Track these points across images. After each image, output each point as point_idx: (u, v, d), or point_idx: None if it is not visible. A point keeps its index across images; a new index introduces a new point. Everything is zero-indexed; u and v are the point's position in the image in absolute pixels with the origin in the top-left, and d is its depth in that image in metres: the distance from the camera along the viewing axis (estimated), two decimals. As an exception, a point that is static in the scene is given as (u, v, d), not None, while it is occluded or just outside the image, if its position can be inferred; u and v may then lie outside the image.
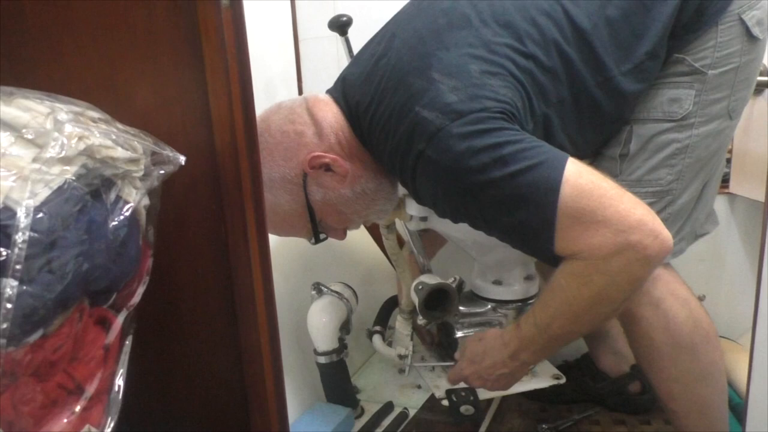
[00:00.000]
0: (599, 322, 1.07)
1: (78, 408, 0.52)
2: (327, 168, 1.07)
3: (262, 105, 0.91)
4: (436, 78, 0.95)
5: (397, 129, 0.98)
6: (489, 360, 1.12)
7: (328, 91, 1.14)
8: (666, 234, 0.90)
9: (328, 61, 1.69)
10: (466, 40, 0.99)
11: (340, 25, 1.48)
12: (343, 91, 1.10)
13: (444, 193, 0.98)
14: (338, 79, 1.14)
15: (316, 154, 1.06)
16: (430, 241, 1.50)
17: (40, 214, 0.46)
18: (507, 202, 0.93)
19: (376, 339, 1.42)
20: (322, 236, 1.16)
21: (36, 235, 0.46)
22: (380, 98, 1.01)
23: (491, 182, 0.92)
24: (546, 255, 0.96)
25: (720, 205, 1.50)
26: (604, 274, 0.92)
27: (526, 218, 0.93)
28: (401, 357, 1.36)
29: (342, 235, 1.20)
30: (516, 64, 0.99)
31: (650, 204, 1.08)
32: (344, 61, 1.50)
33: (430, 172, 0.97)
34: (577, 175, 0.90)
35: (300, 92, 1.72)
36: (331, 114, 1.08)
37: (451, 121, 0.92)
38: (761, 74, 1.36)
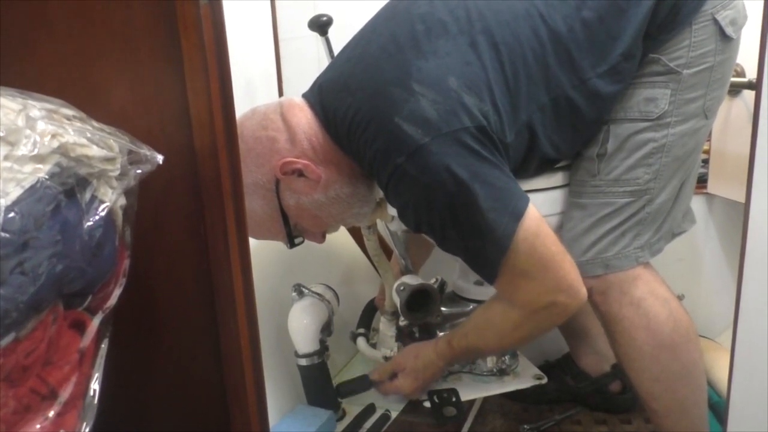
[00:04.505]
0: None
1: (52, 413, 0.51)
2: (300, 173, 1.07)
3: (241, 105, 0.90)
4: (416, 89, 0.96)
5: (376, 138, 0.99)
6: (429, 372, 1.25)
7: (304, 96, 1.13)
8: (584, 293, 1.05)
9: (309, 61, 1.68)
10: (444, 49, 1.00)
11: (321, 25, 1.47)
12: (319, 96, 1.09)
13: (414, 205, 1.02)
14: (314, 84, 1.14)
15: (288, 159, 1.06)
16: (419, 249, 1.50)
17: (12, 214, 0.45)
18: (467, 228, 0.99)
19: (361, 341, 1.41)
20: (297, 240, 1.17)
21: (7, 235, 0.44)
22: (358, 105, 1.01)
23: (458, 207, 0.98)
24: (486, 279, 1.07)
25: (698, 205, 1.51)
26: (533, 322, 1.09)
27: (479, 247, 1.01)
28: (386, 359, 1.35)
29: (320, 238, 1.20)
30: (492, 74, 1.00)
31: (628, 203, 1.11)
32: (324, 61, 1.49)
33: (404, 185, 0.99)
34: (534, 235, 1.00)
35: (280, 92, 1.70)
36: (305, 119, 1.08)
37: (431, 138, 0.95)
38: (737, 75, 1.38)
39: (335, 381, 1.35)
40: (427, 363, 1.23)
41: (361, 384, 1.31)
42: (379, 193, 1.17)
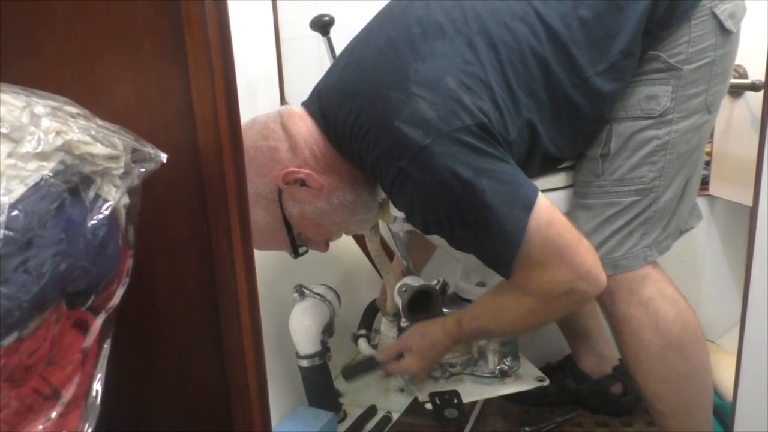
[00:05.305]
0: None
1: (54, 414, 0.50)
2: (302, 183, 1.07)
3: (242, 105, 0.89)
4: (414, 91, 0.96)
5: (377, 142, 0.99)
6: (436, 350, 1.22)
7: (304, 104, 1.13)
8: (603, 279, 1.02)
9: (310, 61, 1.67)
10: (441, 50, 0.99)
11: (322, 25, 1.47)
12: (319, 103, 1.09)
13: (420, 207, 1.01)
14: (314, 91, 1.14)
15: (290, 169, 1.06)
16: (421, 250, 1.49)
17: (15, 212, 0.44)
18: (476, 226, 0.98)
19: (362, 342, 1.41)
20: (301, 250, 1.17)
21: (11, 233, 0.43)
22: (358, 110, 1.01)
23: (465, 205, 0.96)
24: (501, 274, 1.05)
25: (700, 206, 1.51)
26: (550, 309, 1.07)
27: (491, 244, 1.00)
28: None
29: (324, 247, 1.20)
30: (491, 73, 0.99)
31: (634, 202, 1.10)
32: (326, 62, 1.48)
33: (409, 187, 0.99)
34: (547, 224, 0.98)
35: (281, 92, 1.70)
36: (305, 128, 1.08)
37: (432, 139, 0.94)
38: (740, 76, 1.38)
39: (336, 382, 1.35)
40: (434, 341, 1.21)
41: (367, 365, 1.30)
42: (381, 195, 1.17)
